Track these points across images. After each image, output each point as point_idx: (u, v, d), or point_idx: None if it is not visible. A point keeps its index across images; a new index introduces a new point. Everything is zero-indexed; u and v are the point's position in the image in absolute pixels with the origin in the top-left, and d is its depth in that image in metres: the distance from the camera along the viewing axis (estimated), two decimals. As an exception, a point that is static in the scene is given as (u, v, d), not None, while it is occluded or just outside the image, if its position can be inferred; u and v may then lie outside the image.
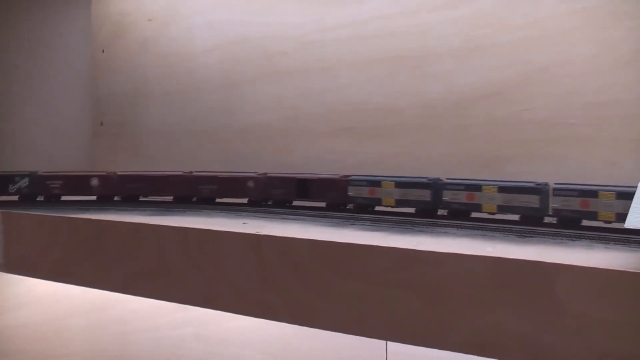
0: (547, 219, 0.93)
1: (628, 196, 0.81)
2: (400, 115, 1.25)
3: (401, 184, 1.04)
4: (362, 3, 1.29)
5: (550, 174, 1.07)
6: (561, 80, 1.09)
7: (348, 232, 0.94)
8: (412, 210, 1.03)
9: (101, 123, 1.75)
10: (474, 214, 0.98)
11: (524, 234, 0.88)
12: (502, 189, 0.94)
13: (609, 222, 0.86)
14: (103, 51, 1.74)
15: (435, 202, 1.00)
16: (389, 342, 1.11)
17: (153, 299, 1.02)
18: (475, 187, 0.96)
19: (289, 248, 0.85)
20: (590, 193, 0.87)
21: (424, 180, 1.02)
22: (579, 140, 1.07)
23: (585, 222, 0.89)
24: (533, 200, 0.92)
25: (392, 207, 1.05)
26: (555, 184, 0.92)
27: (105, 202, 1.30)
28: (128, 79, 1.69)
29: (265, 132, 1.44)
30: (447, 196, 0.98)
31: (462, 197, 0.97)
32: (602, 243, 0.81)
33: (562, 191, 0.90)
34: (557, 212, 0.90)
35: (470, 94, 1.17)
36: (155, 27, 1.63)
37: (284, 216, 1.12)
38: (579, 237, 0.84)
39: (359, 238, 0.85)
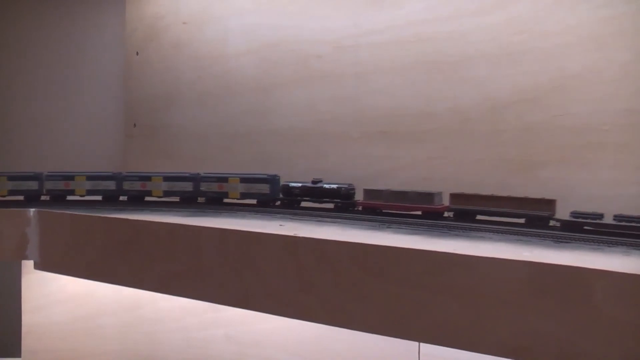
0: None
1: (248, 180, 1.24)
2: (434, 120, 1.25)
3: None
4: (397, 9, 1.30)
5: (583, 179, 1.08)
6: (594, 87, 1.09)
7: (385, 235, 0.95)
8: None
9: (134, 125, 1.77)
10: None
11: (560, 239, 0.88)
12: (166, 178, 1.31)
13: (237, 199, 1.25)
14: (137, 53, 1.76)
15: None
16: (421, 344, 1.11)
17: (186, 299, 1.03)
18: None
19: (326, 250, 0.86)
20: (222, 179, 1.27)
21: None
22: (611, 146, 1.07)
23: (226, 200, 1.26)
24: (188, 186, 1.30)
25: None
26: (204, 173, 1.30)
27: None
28: (161, 81, 1.71)
29: (299, 135, 1.44)
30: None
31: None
32: (639, 250, 0.81)
33: (205, 178, 1.29)
34: (204, 194, 1.29)
35: (504, 99, 1.17)
36: (190, 30, 1.65)
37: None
38: (616, 244, 0.84)
39: (396, 241, 0.86)
